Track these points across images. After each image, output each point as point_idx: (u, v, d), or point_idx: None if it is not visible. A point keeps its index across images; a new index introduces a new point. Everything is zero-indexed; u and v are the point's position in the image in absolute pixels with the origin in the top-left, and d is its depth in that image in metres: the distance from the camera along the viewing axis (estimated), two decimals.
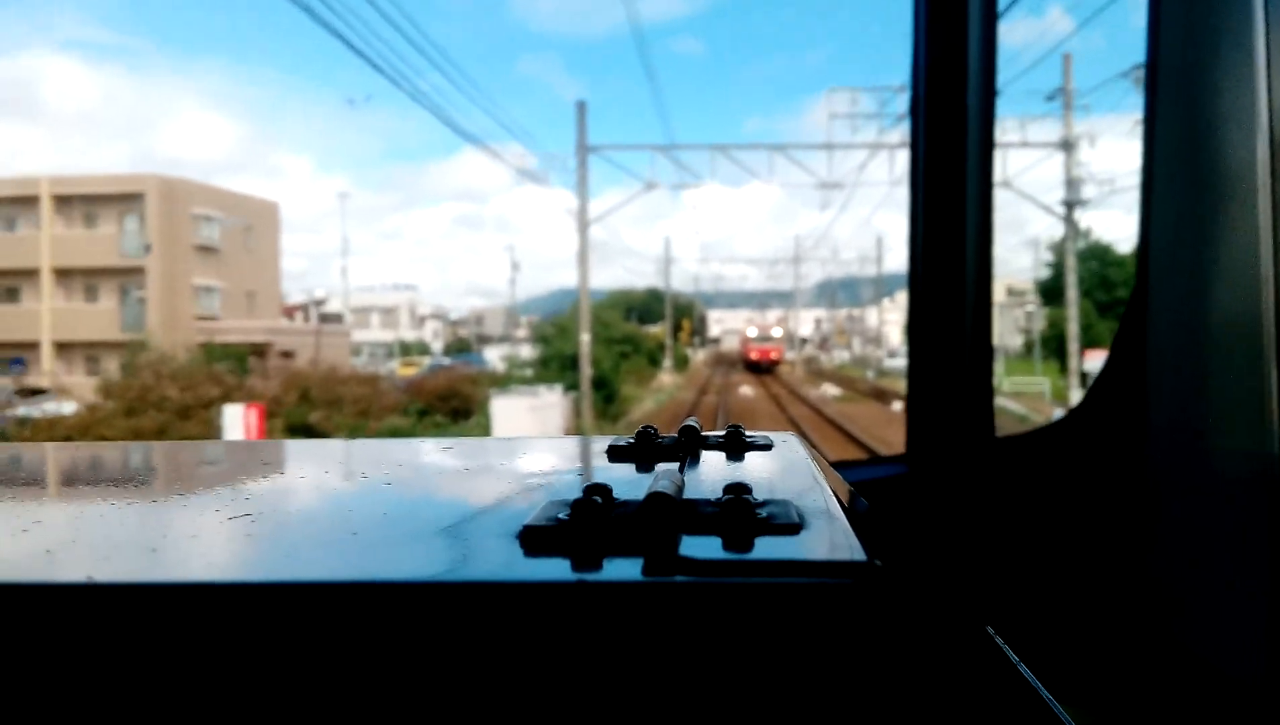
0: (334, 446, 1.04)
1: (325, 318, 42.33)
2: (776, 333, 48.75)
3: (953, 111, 1.87)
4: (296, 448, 0.98)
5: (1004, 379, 25.92)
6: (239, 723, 0.44)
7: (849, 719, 0.44)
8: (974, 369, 1.94)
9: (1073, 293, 19.08)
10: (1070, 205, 18.84)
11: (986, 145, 1.91)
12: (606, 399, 23.99)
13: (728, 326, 76.48)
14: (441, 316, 60.50)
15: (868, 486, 1.95)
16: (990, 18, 1.87)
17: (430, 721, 0.44)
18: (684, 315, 55.19)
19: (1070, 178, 18.49)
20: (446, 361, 42.02)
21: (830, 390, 29.33)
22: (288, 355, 26.95)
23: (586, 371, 19.71)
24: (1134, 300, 1.34)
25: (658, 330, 46.84)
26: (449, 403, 20.86)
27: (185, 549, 0.56)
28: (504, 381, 24.19)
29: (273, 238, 32.60)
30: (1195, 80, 1.16)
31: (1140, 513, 1.31)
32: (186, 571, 0.52)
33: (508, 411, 18.07)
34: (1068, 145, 18.41)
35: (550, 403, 19.02)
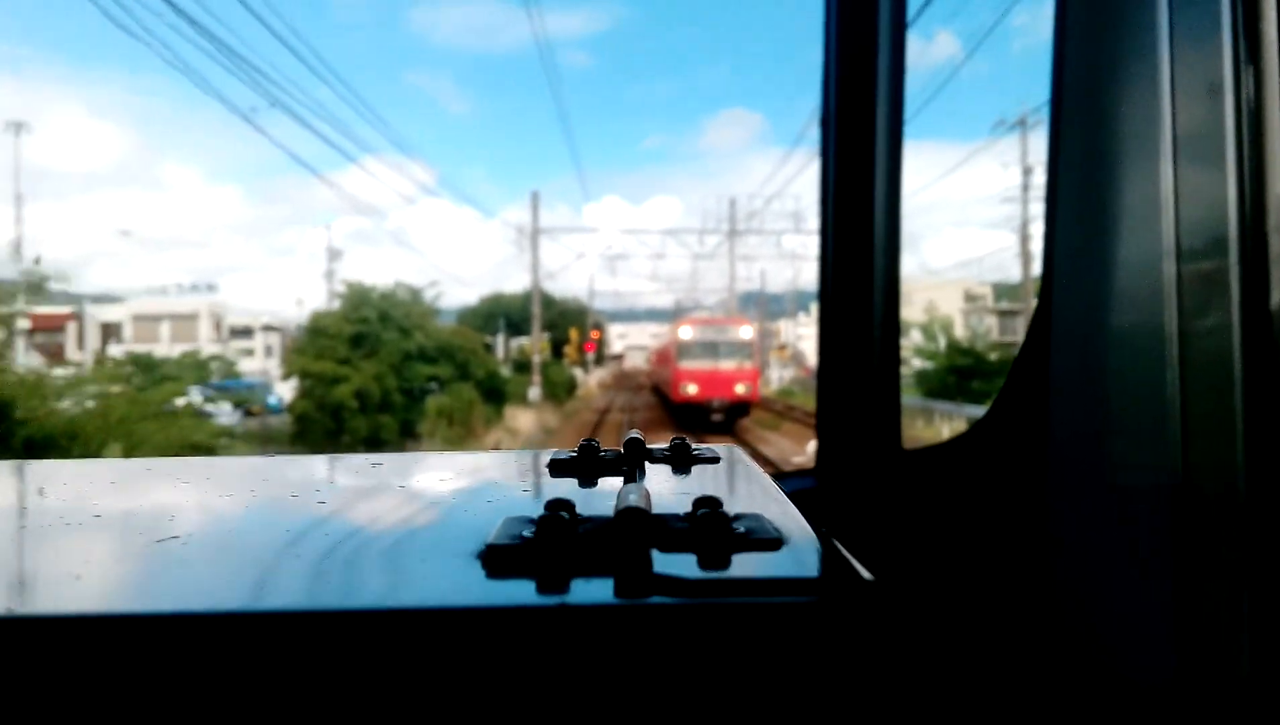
0: (249, 463, 0.90)
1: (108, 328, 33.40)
2: (744, 334, 22.78)
3: (862, 126, 1.89)
4: (223, 465, 0.87)
5: None
6: None
7: None
8: (882, 382, 1.95)
9: None
10: None
11: (895, 160, 1.91)
12: None
13: (632, 342, 62.92)
14: (280, 328, 45.09)
15: None
16: (899, 32, 1.88)
17: None
18: (573, 323, 41.38)
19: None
20: (232, 385, 29.84)
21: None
22: None
23: None
24: (1039, 311, 1.36)
25: (529, 342, 32.58)
26: None
27: (111, 577, 0.50)
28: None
29: None
30: (1100, 97, 1.17)
31: (1042, 522, 1.32)
32: (113, 602, 0.46)
33: None
34: None
35: None
